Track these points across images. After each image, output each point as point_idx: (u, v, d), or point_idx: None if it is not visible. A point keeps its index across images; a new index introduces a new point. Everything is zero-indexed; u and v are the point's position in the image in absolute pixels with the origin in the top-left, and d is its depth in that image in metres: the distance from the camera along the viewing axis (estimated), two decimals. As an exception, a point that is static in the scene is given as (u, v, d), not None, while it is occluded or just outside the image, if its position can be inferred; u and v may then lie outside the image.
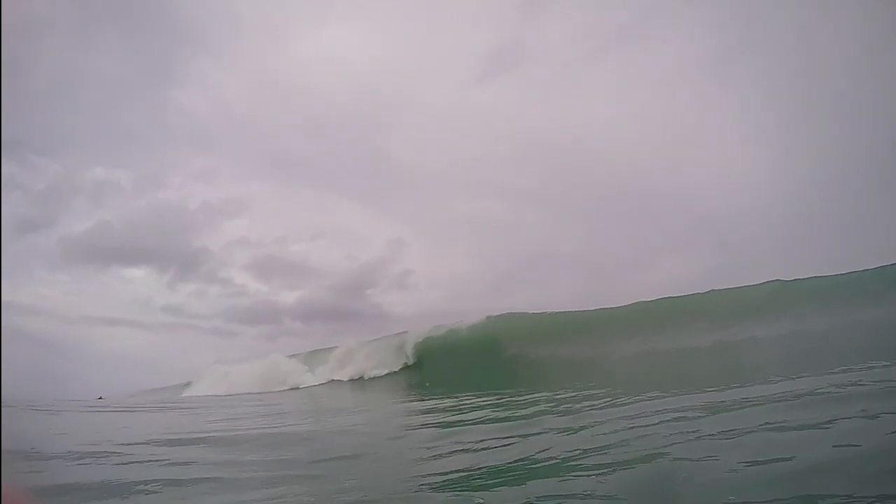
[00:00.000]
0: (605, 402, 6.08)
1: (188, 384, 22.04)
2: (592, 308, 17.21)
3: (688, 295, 15.46)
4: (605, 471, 3.20)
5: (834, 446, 3.04)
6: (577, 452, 3.75)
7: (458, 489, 3.24)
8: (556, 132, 37.54)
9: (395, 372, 17.62)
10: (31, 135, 39.84)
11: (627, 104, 40.16)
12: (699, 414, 4.49)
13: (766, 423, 3.75)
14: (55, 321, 34.24)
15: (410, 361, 17.82)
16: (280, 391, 17.77)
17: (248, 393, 17.45)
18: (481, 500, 2.94)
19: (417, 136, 43.61)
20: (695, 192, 29.34)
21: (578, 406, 6.08)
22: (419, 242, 38.07)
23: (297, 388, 18.14)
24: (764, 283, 14.36)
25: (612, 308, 16.65)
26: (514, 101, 42.67)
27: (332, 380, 18.59)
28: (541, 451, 3.93)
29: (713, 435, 3.66)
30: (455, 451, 4.35)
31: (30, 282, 35.31)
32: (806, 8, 30.49)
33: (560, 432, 4.59)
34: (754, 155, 28.68)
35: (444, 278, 33.46)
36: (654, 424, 4.23)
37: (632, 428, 4.20)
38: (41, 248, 39.67)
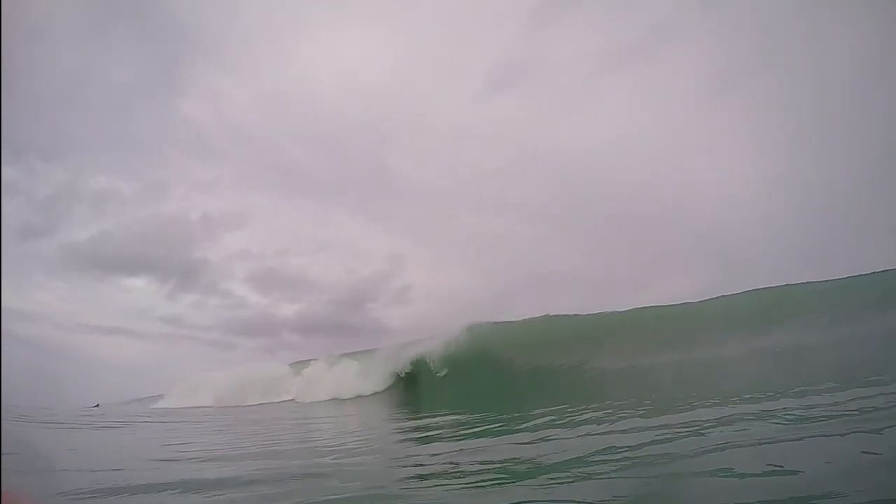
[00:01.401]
0: (591, 415, 5.83)
1: (160, 396, 21.27)
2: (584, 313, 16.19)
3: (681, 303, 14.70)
4: (595, 479, 3.08)
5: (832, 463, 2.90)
6: (563, 462, 3.62)
7: None
8: (560, 149, 37.30)
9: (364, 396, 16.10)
10: (36, 140, 41.10)
11: (632, 122, 39.92)
12: (691, 429, 4.27)
13: (768, 438, 3.61)
14: (52, 328, 34.62)
15: (380, 387, 16.29)
16: (240, 406, 16.64)
17: (208, 406, 16.54)
18: None
19: (421, 150, 43.68)
20: (698, 211, 28.23)
21: (557, 420, 5.85)
22: (420, 257, 37.68)
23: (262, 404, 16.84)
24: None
25: (600, 314, 15.70)
26: (520, 117, 42.92)
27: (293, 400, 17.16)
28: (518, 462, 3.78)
29: (710, 448, 3.49)
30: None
31: (28, 287, 35.89)
32: (811, 28, 30.13)
33: (544, 440, 4.49)
34: (758, 174, 27.71)
35: (444, 293, 32.42)
36: (647, 442, 4.02)
37: (622, 448, 3.96)
38: (41, 254, 40.61)
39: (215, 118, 44.55)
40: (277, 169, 48.09)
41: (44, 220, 41.40)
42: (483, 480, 3.42)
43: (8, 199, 33.86)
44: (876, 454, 2.90)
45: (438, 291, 32.19)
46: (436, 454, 4.58)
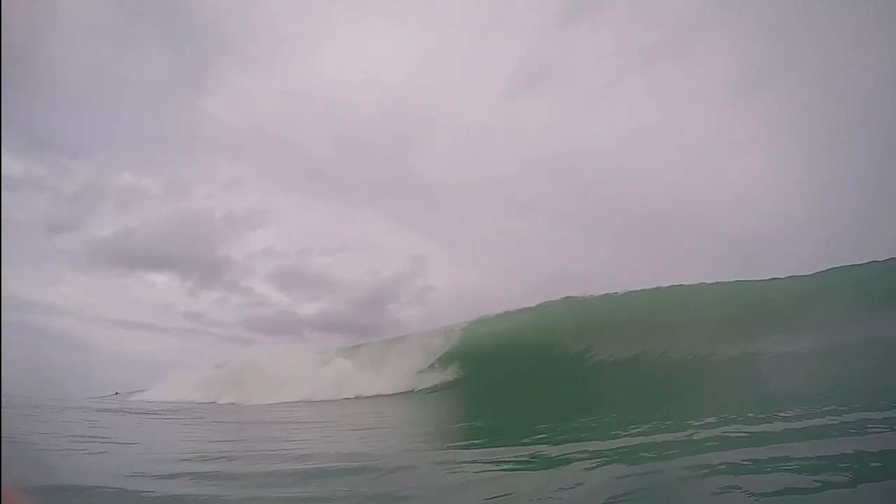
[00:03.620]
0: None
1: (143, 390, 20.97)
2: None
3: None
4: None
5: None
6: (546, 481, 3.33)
7: None
8: (583, 151, 37.13)
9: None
10: (64, 138, 41.72)
11: (654, 124, 39.14)
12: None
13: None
14: (77, 321, 35.37)
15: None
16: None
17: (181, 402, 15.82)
18: None
19: (445, 152, 43.97)
20: (718, 212, 27.35)
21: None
22: (442, 259, 37.28)
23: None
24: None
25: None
26: (543, 119, 42.97)
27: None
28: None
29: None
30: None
31: (54, 282, 36.49)
32: (834, 33, 29.48)
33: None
34: (778, 177, 26.82)
35: (465, 295, 31.56)
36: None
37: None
38: (67, 249, 41.47)
39: (241, 118, 45.55)
40: (302, 168, 48.95)
41: (70, 215, 42.26)
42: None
43: (35, 195, 34.72)
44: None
45: (459, 293, 31.39)
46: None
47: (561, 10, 46.69)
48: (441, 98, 47.51)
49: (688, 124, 39.33)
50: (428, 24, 52.21)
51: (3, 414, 5.89)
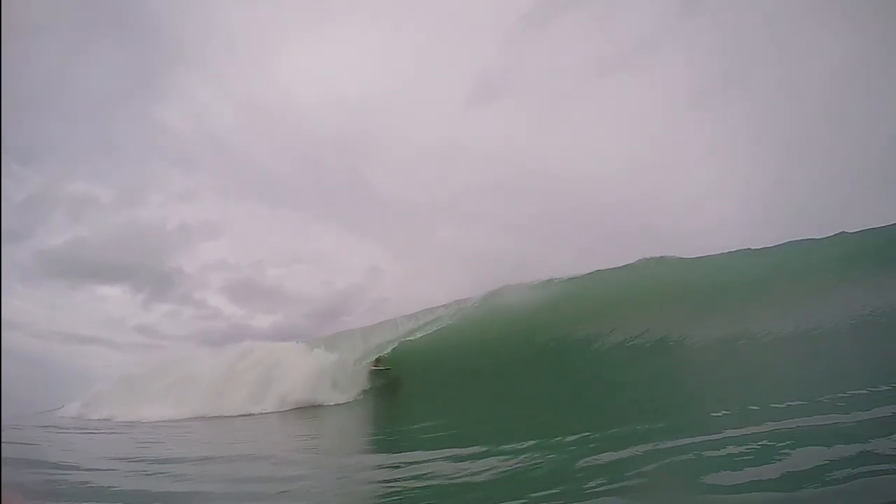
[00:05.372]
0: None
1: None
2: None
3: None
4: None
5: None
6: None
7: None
8: (539, 164, 37.52)
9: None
10: (15, 143, 39.51)
11: (611, 136, 39.97)
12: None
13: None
14: (28, 336, 33.69)
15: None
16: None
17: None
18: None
19: (401, 164, 43.71)
20: (671, 226, 27.96)
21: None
22: (397, 271, 36.58)
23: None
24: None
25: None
26: (498, 133, 43.18)
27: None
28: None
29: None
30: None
31: (6, 293, 33.72)
32: (790, 45, 31.30)
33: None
34: (732, 190, 27.86)
35: (419, 307, 30.95)
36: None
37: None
38: (16, 260, 38.83)
39: (195, 127, 44.48)
40: (257, 179, 48.13)
41: (19, 224, 39.63)
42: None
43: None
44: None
45: (413, 305, 30.80)
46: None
47: (517, 25, 48.26)
48: (397, 111, 48.04)
49: (644, 136, 40.88)
50: (384, 37, 53.34)
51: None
